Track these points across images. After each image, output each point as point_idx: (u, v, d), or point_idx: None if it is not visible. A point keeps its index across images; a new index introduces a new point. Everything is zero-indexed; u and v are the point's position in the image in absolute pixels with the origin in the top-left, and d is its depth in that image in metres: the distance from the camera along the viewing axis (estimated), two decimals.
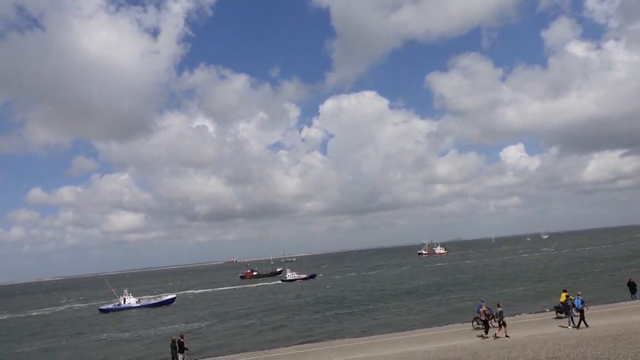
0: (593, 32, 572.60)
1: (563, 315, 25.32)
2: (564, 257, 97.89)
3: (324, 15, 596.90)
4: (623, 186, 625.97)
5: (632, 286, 30.69)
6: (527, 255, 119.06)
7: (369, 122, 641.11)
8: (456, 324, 29.19)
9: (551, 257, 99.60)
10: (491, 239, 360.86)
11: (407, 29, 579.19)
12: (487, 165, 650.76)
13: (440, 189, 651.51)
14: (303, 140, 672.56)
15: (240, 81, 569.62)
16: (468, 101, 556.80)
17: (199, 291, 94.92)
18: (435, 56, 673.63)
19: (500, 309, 21.87)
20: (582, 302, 21.58)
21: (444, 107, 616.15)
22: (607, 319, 23.16)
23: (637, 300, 29.27)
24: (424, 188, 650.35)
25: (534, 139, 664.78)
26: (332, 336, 31.46)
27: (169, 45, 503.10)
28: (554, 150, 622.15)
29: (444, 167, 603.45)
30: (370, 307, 45.20)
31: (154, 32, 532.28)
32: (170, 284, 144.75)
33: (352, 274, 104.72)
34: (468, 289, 52.88)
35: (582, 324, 21.49)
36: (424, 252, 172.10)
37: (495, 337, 21.78)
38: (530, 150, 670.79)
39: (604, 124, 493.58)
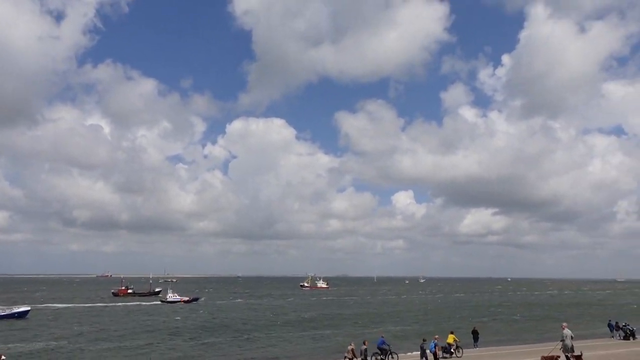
0: (482, 101, 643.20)
1: (447, 355, 27.66)
2: (436, 301, 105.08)
3: (246, 37, 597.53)
4: (492, 241, 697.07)
5: (475, 334, 33.83)
6: (405, 296, 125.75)
7: (274, 149, 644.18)
8: None
9: (425, 301, 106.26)
10: (373, 278, 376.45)
11: (323, 67, 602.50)
12: (379, 207, 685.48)
13: (334, 224, 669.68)
14: (205, 157, 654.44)
15: (147, 85, 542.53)
16: (370, 144, 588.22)
17: (61, 305, 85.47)
18: (345, 97, 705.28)
19: (365, 347, 22.63)
20: (435, 346, 23.19)
21: (348, 145, 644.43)
22: None
23: (478, 348, 32.22)
24: (319, 221, 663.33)
25: (423, 188, 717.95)
26: None
27: (72, 34, 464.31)
28: (439, 201, 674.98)
29: (340, 204, 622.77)
30: (247, 337, 44.04)
31: (58, 17, 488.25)
32: (28, 294, 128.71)
33: (238, 301, 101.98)
34: (347, 324, 54.04)
35: None
36: (306, 284, 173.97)
37: None
38: (419, 198, 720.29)
39: (482, 183, 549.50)
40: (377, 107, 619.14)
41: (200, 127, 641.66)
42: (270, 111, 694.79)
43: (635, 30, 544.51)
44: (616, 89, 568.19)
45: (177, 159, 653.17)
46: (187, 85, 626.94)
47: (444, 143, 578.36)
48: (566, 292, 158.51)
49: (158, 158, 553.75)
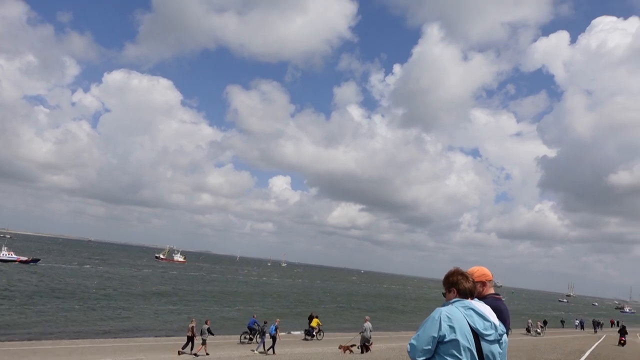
0: (369, 104, 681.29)
1: (309, 338, 29.58)
2: (295, 285, 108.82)
3: None
4: (354, 235, 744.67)
5: (310, 319, 35.51)
6: (265, 278, 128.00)
7: (155, 110, 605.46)
8: (164, 338, 28.70)
9: (284, 284, 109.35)
10: (236, 257, 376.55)
11: (224, 36, 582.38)
12: (255, 188, 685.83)
13: (206, 198, 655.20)
14: (73, 104, 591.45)
15: (15, 9, 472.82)
16: (258, 124, 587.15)
17: None
18: (242, 71, 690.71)
19: (207, 325, 22.44)
20: (276, 329, 23.82)
21: (235, 121, 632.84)
22: (291, 347, 26.16)
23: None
24: (190, 193, 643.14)
25: (300, 176, 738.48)
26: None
27: None
28: (313, 190, 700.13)
29: (216, 179, 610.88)
30: (85, 305, 40.85)
31: None
32: None
33: (86, 267, 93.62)
34: (198, 301, 53.09)
35: (271, 351, 23.47)
36: (162, 256, 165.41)
37: (195, 354, 22.11)
38: (295, 185, 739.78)
39: (355, 180, 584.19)
40: (272, 89, 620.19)
41: (72, 70, 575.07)
42: (158, 69, 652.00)
43: (505, 69, 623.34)
44: (480, 117, 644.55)
45: (37, 100, 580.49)
46: (64, 20, 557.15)
47: (328, 136, 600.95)
48: (409, 288, 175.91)
49: (13, 95, 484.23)
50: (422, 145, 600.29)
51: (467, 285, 3.23)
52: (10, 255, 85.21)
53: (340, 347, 23.00)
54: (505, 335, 3.11)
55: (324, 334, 31.44)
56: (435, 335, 2.96)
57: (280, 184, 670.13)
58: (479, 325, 3.00)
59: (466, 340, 2.93)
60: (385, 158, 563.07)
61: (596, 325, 59.44)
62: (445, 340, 2.94)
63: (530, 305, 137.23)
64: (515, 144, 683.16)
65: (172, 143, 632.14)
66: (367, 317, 22.95)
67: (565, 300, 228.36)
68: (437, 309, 3.10)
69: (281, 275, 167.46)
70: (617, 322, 50.25)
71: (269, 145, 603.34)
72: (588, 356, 19.52)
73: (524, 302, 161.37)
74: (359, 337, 22.66)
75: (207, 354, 22.15)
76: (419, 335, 3.04)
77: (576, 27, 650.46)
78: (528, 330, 45.19)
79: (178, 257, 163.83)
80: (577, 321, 63.12)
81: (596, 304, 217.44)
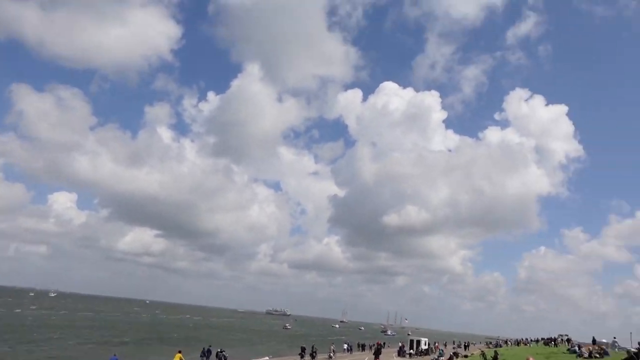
0: (181, 128, 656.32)
1: None
2: (49, 318, 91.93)
3: None
4: (145, 262, 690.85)
5: None
6: (19, 310, 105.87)
7: None
8: None
9: (40, 316, 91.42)
10: None
11: (20, 28, 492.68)
12: (30, 204, 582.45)
13: None
14: None
15: None
16: (49, 131, 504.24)
17: None
18: (37, 71, 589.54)
19: None
20: None
21: (18, 125, 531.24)
22: None
23: None
24: None
25: (91, 195, 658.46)
26: None
27: None
28: (104, 212, 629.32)
29: None
30: None
31: None
32: None
33: None
34: None
35: None
36: None
37: None
38: (82, 205, 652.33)
39: (156, 204, 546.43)
40: (71, 96, 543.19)
41: None
42: None
43: (312, 115, 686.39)
44: (286, 153, 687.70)
45: None
46: None
47: (133, 155, 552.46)
48: (195, 318, 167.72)
49: None
50: (230, 175, 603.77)
51: None
52: None
53: None
54: None
55: None
56: None
57: (63, 201, 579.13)
58: None
59: None
60: (192, 184, 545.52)
61: (361, 347, 70.31)
62: None
63: (311, 330, 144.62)
64: (313, 182, 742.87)
65: None
66: None
67: (337, 325, 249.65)
68: None
69: (44, 305, 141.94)
70: (383, 344, 59.09)
71: (58, 156, 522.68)
72: None
73: (306, 328, 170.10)
74: None
75: None
76: None
77: (368, 88, 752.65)
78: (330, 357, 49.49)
79: None
80: (345, 345, 66.86)
81: (362, 328, 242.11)
